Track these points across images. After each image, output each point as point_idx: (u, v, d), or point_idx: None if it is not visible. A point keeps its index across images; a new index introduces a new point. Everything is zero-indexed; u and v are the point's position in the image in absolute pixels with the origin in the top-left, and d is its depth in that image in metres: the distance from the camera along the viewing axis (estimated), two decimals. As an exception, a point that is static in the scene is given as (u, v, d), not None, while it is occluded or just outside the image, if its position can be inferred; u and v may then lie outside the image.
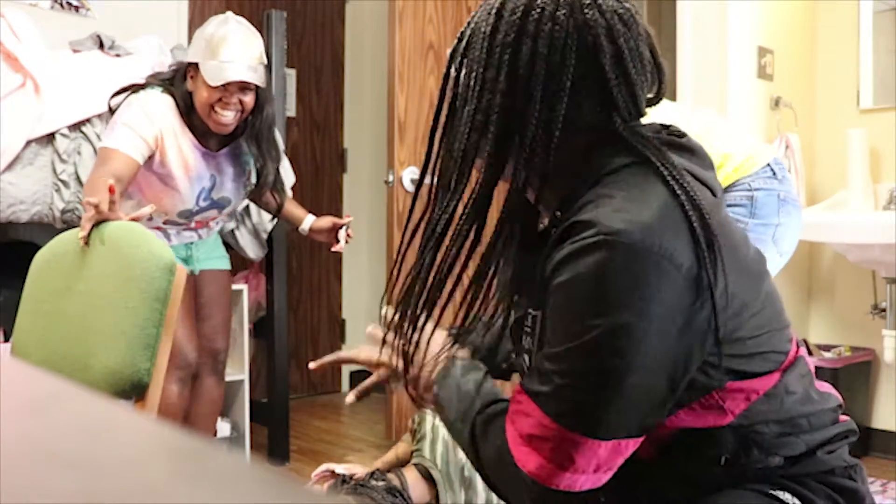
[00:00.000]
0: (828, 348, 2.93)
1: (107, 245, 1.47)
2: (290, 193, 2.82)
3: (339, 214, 4.12)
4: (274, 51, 2.78)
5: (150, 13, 2.91)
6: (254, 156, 2.29)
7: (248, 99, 2.15)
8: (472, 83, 0.90)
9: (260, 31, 2.32)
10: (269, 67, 2.34)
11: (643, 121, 0.93)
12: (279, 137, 2.48)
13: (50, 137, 2.33)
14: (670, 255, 0.79)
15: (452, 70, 0.94)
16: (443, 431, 1.55)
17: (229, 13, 2.25)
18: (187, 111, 2.16)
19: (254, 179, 2.33)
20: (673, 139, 0.93)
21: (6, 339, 2.28)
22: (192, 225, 2.31)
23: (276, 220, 2.82)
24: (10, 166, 2.26)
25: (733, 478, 0.90)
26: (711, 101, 2.73)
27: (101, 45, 2.57)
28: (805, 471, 0.94)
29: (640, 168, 0.87)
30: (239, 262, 2.99)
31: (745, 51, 2.81)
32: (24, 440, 0.40)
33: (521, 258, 0.96)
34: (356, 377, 4.19)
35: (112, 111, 2.17)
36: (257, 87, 2.16)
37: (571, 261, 0.81)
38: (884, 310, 2.80)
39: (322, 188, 4.04)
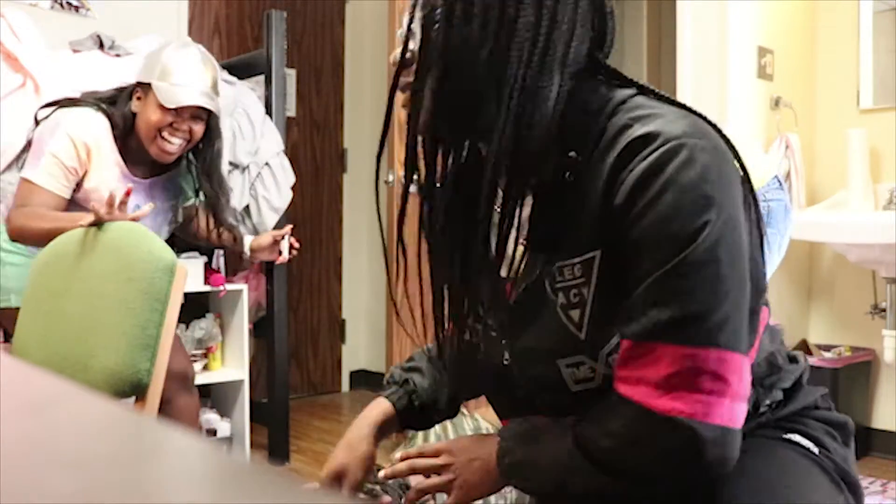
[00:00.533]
0: (828, 348, 2.93)
1: (107, 246, 1.47)
2: (289, 194, 2.83)
3: (339, 214, 4.12)
4: (274, 51, 2.78)
5: (150, 13, 2.91)
6: (206, 191, 2.19)
7: (199, 128, 2.08)
8: (477, 26, 0.82)
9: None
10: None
11: None
12: (225, 172, 2.39)
13: (50, 137, 2.33)
14: (730, 157, 0.83)
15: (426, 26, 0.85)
16: (433, 428, 1.55)
17: (188, 39, 2.21)
18: (123, 134, 2.07)
19: (180, 218, 2.27)
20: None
21: (6, 339, 2.28)
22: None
23: (275, 219, 2.81)
24: (9, 166, 2.26)
25: (745, 422, 0.84)
26: (711, 101, 2.73)
27: (101, 46, 2.57)
28: (800, 406, 0.97)
29: (644, 97, 0.87)
30: (239, 262, 3.00)
31: (745, 51, 2.81)
32: (24, 440, 0.40)
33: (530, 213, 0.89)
34: (356, 377, 4.19)
35: (37, 123, 2.10)
36: (209, 117, 2.10)
37: (656, 172, 0.78)
38: (884, 310, 2.80)
39: (322, 188, 4.04)
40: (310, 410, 3.73)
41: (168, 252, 1.39)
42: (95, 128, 2.05)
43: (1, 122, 2.22)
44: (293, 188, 2.85)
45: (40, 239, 1.85)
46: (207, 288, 2.68)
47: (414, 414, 1.13)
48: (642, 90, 0.89)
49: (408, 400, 1.12)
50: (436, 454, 0.98)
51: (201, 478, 0.35)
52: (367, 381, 4.14)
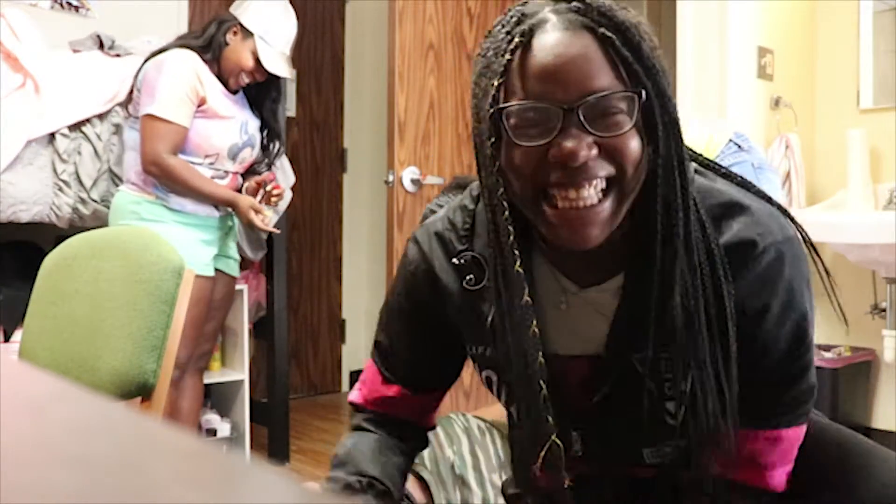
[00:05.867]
0: (828, 348, 2.93)
1: (116, 248, 1.48)
2: (289, 194, 2.83)
3: (339, 214, 4.12)
4: (274, 51, 2.78)
5: (150, 13, 2.91)
6: (270, 128, 2.48)
7: (259, 76, 2.39)
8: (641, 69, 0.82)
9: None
10: None
11: None
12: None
13: (50, 137, 2.33)
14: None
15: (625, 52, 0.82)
16: None
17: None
18: (211, 60, 2.31)
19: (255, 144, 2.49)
20: None
21: (6, 339, 2.28)
22: (237, 168, 2.37)
23: (274, 220, 2.81)
24: (10, 166, 2.26)
25: None
26: (711, 101, 2.73)
27: (101, 45, 2.57)
28: None
29: (700, 175, 0.91)
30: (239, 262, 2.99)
31: (745, 51, 2.81)
32: (24, 440, 0.40)
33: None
34: (356, 377, 4.18)
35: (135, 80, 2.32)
36: None
37: (770, 282, 0.84)
38: (884, 310, 2.80)
39: (322, 188, 4.03)
40: (310, 410, 3.73)
41: (176, 254, 1.40)
42: (193, 58, 2.27)
43: (1, 122, 2.22)
44: (293, 188, 2.85)
45: (182, 190, 2.21)
46: (207, 288, 2.68)
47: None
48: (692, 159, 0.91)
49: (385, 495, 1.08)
50: None
51: (201, 478, 0.35)
52: (367, 381, 4.13)
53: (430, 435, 1.20)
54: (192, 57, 2.26)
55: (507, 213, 0.83)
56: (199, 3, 3.45)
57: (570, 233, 0.81)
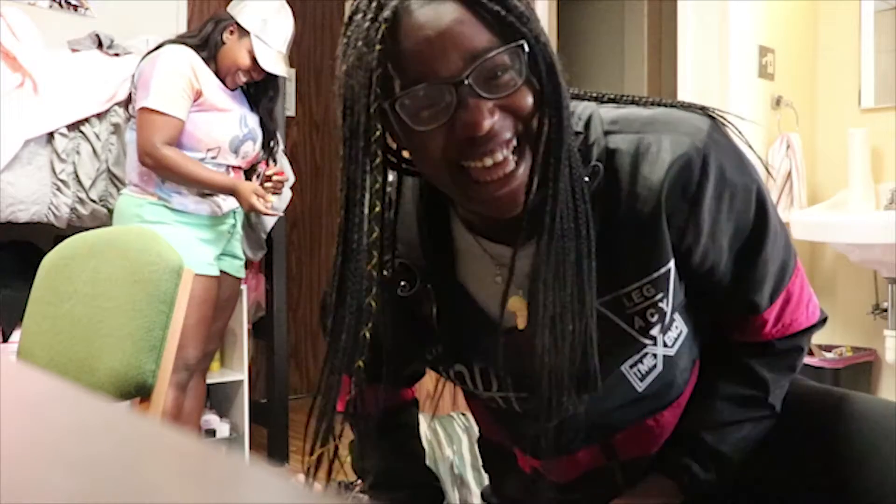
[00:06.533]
0: (829, 349, 2.93)
1: (115, 248, 1.48)
2: (289, 194, 2.83)
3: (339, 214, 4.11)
4: (274, 50, 2.78)
5: (150, 12, 2.91)
6: (266, 127, 2.47)
7: (256, 75, 2.39)
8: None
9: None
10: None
11: None
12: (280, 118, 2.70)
13: (49, 137, 2.33)
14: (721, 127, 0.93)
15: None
16: (423, 433, 1.55)
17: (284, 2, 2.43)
18: (208, 59, 2.31)
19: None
20: None
21: (5, 339, 2.28)
22: (239, 163, 2.37)
23: (274, 220, 2.81)
24: (8, 166, 2.26)
25: None
26: (712, 101, 2.71)
27: (100, 45, 2.57)
28: None
29: (611, 106, 0.91)
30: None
31: (746, 50, 2.81)
32: (24, 440, 0.39)
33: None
34: (356, 377, 4.18)
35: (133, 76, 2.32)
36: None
37: (703, 187, 0.84)
38: (885, 310, 2.80)
39: (322, 188, 4.03)
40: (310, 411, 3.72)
41: (175, 254, 1.40)
42: (188, 52, 2.27)
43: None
44: (293, 188, 2.85)
45: (180, 179, 2.20)
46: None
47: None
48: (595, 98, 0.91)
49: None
50: None
51: (201, 478, 0.35)
52: (366, 382, 4.13)
53: (430, 435, 1.20)
54: (186, 51, 2.26)
55: (375, 234, 0.83)
56: (197, 2, 3.45)
57: (496, 205, 0.79)
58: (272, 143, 2.51)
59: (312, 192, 3.98)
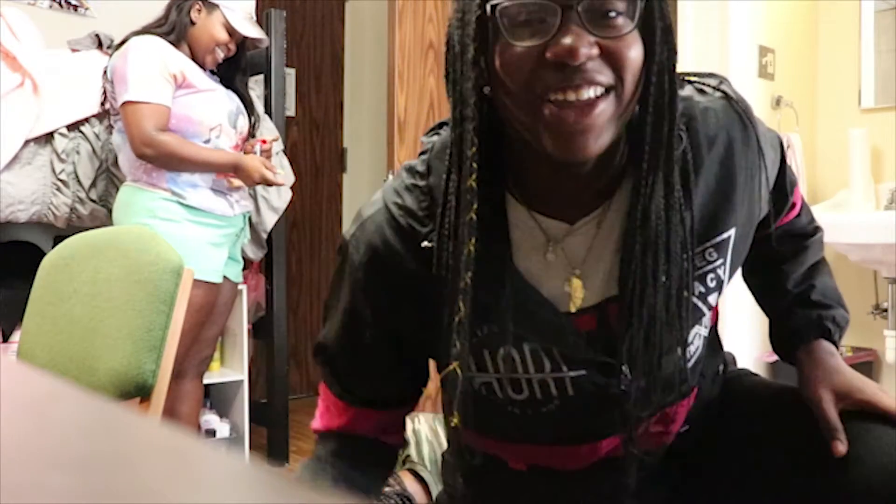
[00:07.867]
0: (829, 348, 2.93)
1: (115, 248, 1.48)
2: (289, 194, 2.83)
3: (339, 214, 4.12)
4: (273, 50, 2.78)
5: (150, 13, 2.89)
6: (245, 100, 2.43)
7: (233, 47, 2.36)
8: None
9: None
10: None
11: None
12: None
13: (48, 137, 2.33)
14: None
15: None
16: (424, 433, 1.54)
17: None
18: (178, 43, 2.26)
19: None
20: None
21: (5, 339, 2.28)
22: (237, 140, 2.34)
23: (274, 219, 2.81)
24: (8, 166, 2.26)
25: None
26: (712, 101, 2.72)
27: (100, 45, 2.56)
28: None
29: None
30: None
31: (746, 50, 2.81)
32: (22, 441, 0.39)
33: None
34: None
35: (105, 74, 2.25)
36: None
37: (735, 134, 0.89)
38: (885, 310, 2.80)
39: (322, 188, 4.03)
40: (310, 411, 3.70)
41: (175, 254, 1.40)
42: (157, 40, 2.21)
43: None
44: (292, 188, 2.85)
45: (182, 163, 2.14)
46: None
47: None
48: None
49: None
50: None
51: (201, 478, 0.35)
52: (366, 382, 4.13)
53: (430, 434, 1.19)
54: (155, 39, 2.21)
55: (475, 147, 0.77)
56: (198, 2, 3.46)
57: (570, 141, 0.75)
58: (253, 119, 2.48)
59: (312, 192, 3.98)
